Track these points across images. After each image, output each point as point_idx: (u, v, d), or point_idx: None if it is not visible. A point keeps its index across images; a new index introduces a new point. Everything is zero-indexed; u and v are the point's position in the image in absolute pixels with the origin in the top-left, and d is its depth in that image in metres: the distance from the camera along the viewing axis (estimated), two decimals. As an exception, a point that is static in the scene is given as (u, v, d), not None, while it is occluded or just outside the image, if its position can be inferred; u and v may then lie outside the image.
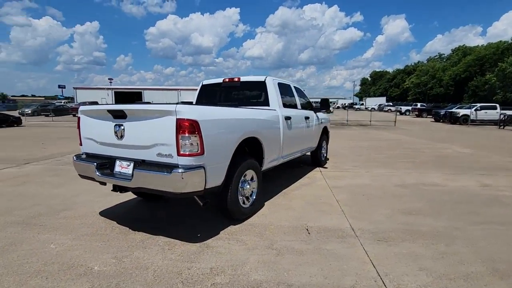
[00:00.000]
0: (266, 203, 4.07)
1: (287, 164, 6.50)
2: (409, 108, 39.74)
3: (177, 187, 2.56)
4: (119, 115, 2.85)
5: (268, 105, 4.30)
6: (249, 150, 3.76)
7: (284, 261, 2.54)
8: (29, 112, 33.19)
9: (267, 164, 4.02)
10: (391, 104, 50.92)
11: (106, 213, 3.68)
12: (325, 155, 6.81)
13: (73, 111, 33.09)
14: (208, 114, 2.74)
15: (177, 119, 2.51)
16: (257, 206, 3.71)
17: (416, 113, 34.56)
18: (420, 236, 3.05)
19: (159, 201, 4.13)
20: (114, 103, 43.57)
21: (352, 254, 2.68)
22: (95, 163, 3.02)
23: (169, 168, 2.58)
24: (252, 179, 3.59)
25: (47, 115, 32.02)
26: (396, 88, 73.87)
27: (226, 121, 2.96)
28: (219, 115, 2.90)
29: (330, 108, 46.50)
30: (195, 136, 2.56)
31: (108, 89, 49.72)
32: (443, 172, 5.98)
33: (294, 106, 5.05)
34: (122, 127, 2.84)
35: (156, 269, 2.41)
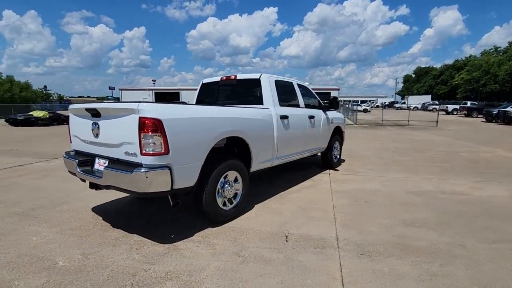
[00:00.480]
0: (256, 205, 3.91)
1: (293, 165, 6.26)
2: (457, 107, 36.27)
3: (140, 186, 2.53)
4: (95, 114, 2.89)
5: (262, 103, 4.13)
6: (237, 150, 3.64)
7: (246, 270, 2.37)
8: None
9: (258, 165, 3.85)
10: (436, 102, 46.92)
11: (98, 209, 3.81)
12: (338, 156, 6.41)
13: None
14: (174, 113, 2.66)
15: (140, 118, 2.47)
16: (241, 208, 3.56)
17: (465, 112, 31.41)
18: (413, 252, 2.68)
19: (151, 200, 4.17)
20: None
21: (323, 268, 2.42)
22: (76, 160, 3.11)
23: (134, 167, 2.55)
24: (236, 180, 3.46)
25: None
26: (443, 85, 68.03)
27: (198, 120, 2.85)
28: (189, 114, 2.80)
29: (367, 108, 44.27)
30: (158, 135, 2.49)
31: (149, 89, 52.73)
32: (473, 179, 5.28)
33: (295, 104, 4.79)
34: (97, 125, 2.88)
35: (114, 268, 2.39)
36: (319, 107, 5.53)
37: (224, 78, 4.60)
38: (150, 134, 2.47)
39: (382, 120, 21.77)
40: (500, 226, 3.24)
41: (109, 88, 57.42)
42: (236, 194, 3.49)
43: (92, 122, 2.94)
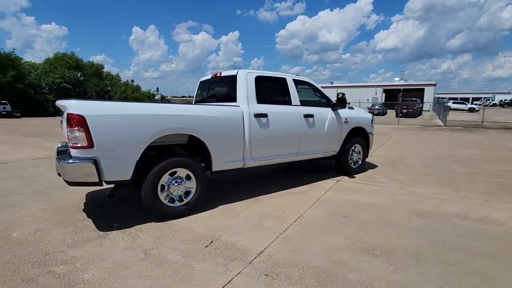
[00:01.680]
0: (222, 206, 3.79)
1: (305, 166, 5.80)
2: None
3: (67, 176, 2.80)
4: (60, 110, 3.33)
5: (236, 100, 3.95)
6: (201, 147, 3.57)
7: (134, 269, 2.36)
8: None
9: (223, 165, 3.72)
10: None
11: (92, 194, 4.34)
12: (359, 162, 5.57)
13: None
14: (101, 109, 2.83)
15: (67, 114, 2.73)
16: (195, 206, 3.50)
17: None
18: (332, 285, 2.15)
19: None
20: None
21: (208, 281, 2.19)
22: (56, 150, 3.64)
23: (68, 158, 2.84)
24: (188, 178, 3.43)
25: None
26: None
27: (128, 117, 2.93)
28: (119, 111, 2.92)
29: (475, 107, 36.33)
30: (81, 130, 2.70)
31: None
32: (537, 204, 3.83)
33: (284, 102, 4.39)
34: (61, 120, 3.31)
35: (41, 246, 2.71)
36: (326, 105, 4.92)
37: (213, 75, 4.58)
38: (74, 128, 2.70)
39: (482, 122, 17.80)
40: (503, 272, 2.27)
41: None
42: (189, 192, 3.47)
43: (61, 117, 3.40)
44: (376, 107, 29.96)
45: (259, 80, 4.14)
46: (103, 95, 42.85)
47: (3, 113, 28.81)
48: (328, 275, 2.27)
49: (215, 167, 3.67)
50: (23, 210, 3.63)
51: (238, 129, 3.76)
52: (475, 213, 3.54)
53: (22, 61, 36.14)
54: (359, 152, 5.57)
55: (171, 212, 3.33)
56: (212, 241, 2.83)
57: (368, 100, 40.87)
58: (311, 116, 4.57)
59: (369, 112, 28.16)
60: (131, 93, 43.23)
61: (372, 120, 5.74)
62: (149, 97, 57.06)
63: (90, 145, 2.74)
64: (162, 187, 3.25)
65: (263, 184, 4.81)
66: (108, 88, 43.46)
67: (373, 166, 6.20)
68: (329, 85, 50.39)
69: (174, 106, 3.36)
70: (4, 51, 33.87)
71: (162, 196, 3.25)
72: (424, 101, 38.02)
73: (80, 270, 2.33)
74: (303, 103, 4.61)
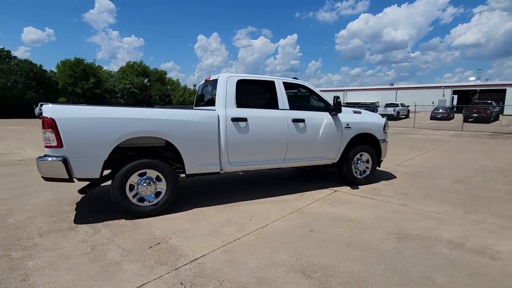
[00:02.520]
0: (195, 209, 3.82)
1: (310, 172, 5.56)
2: None
3: (42, 172, 3.15)
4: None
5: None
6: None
7: (70, 261, 2.53)
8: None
9: (197, 168, 3.77)
10: None
11: (99, 189, 4.78)
12: (367, 172, 5.05)
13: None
14: (70, 113, 3.11)
15: (42, 117, 3.08)
16: (165, 207, 3.60)
17: None
18: (237, 303, 2.01)
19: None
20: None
21: (123, 282, 2.25)
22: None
23: (43, 157, 3.18)
24: (159, 179, 3.56)
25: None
26: None
27: (97, 120, 3.17)
28: (89, 114, 3.17)
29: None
30: (51, 132, 3.02)
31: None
32: None
33: (270, 105, 4.23)
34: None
35: (16, 233, 3.12)
36: (324, 109, 4.59)
37: (205, 80, 4.66)
38: (46, 130, 3.04)
39: None
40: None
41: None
42: (159, 192, 3.59)
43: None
44: (440, 110, 26.66)
45: (242, 83, 4.08)
46: (164, 99, 46.98)
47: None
48: (240, 292, 2.13)
49: (189, 170, 3.73)
50: (32, 199, 4.20)
51: (212, 133, 3.75)
52: (475, 241, 2.91)
53: (102, 69, 41.76)
54: (367, 161, 5.05)
55: (139, 211, 3.49)
56: (159, 243, 2.89)
57: (433, 103, 36.58)
58: (302, 121, 4.31)
59: (431, 116, 25.01)
60: (188, 96, 46.34)
61: (384, 126, 5.15)
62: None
63: (60, 145, 3.05)
64: (132, 186, 3.43)
65: (252, 189, 4.70)
66: (170, 92, 47.45)
67: (389, 177, 5.56)
68: (388, 86, 46.45)
69: (141, 110, 3.51)
70: (87, 61, 39.32)
71: (130, 195, 3.43)
72: (505, 103, 32.40)
73: (30, 257, 2.60)
74: (297, 107, 4.39)
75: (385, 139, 5.17)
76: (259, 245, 2.85)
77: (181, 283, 2.23)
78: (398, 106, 28.22)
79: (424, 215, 3.60)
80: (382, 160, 5.34)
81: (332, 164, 4.83)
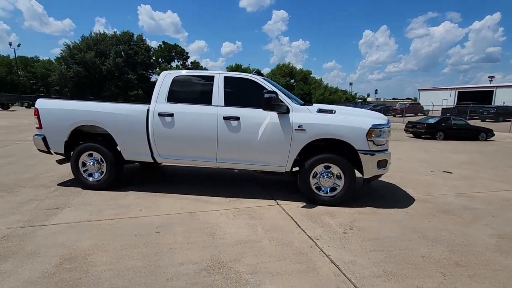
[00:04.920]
0: (122, 192, 4.34)
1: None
2: None
3: (35, 145, 4.57)
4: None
5: (157, 99, 4.28)
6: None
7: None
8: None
9: (131, 155, 4.28)
10: None
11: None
12: (338, 190, 3.84)
13: (394, 111, 35.03)
14: (47, 105, 4.34)
15: (35, 107, 4.49)
16: (106, 185, 4.32)
17: None
18: (-10, 260, 2.45)
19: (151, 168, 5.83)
20: (455, 104, 39.33)
21: (-10, 224, 3.14)
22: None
23: (35, 135, 4.62)
24: (102, 161, 4.34)
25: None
26: None
27: (59, 111, 4.27)
28: (56, 106, 4.32)
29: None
30: (36, 117, 4.38)
31: (451, 89, 45.05)
32: None
33: (204, 101, 4.04)
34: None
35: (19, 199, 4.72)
36: (265, 107, 3.88)
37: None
38: (35, 116, 4.42)
39: None
40: None
41: (419, 90, 55.70)
42: (102, 172, 4.37)
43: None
44: None
45: (179, 80, 4.19)
46: (305, 98, 48.67)
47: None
48: None
49: (125, 157, 4.30)
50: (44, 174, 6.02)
51: (141, 125, 4.11)
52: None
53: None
54: (338, 176, 3.84)
55: (88, 184, 4.39)
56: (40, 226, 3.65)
57: None
58: (236, 118, 3.90)
59: None
60: (328, 95, 45.83)
61: (370, 132, 3.68)
62: (349, 99, 57.70)
63: (40, 127, 4.37)
64: (83, 163, 4.39)
65: (204, 185, 4.68)
66: (311, 91, 48.65)
67: (392, 202, 3.94)
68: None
69: (86, 104, 4.34)
70: (244, 66, 46.40)
71: (81, 170, 4.39)
72: None
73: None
74: (235, 104, 4.00)
75: (370, 150, 3.72)
76: (99, 229, 3.05)
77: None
78: None
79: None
80: (369, 180, 3.89)
81: (288, 173, 4.03)
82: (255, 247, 2.73)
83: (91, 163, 4.34)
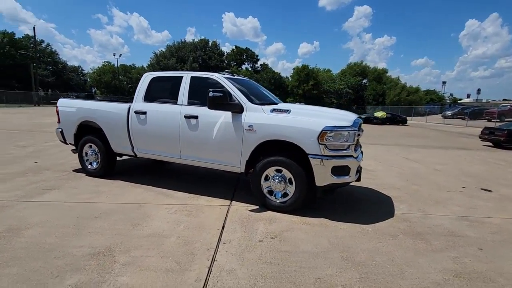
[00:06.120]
0: (110, 180, 4.88)
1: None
2: None
3: (57, 137, 5.54)
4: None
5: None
6: None
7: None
8: (449, 114, 34.76)
9: (117, 148, 4.80)
10: None
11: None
12: (290, 196, 3.56)
13: (488, 115, 29.19)
14: (64, 104, 5.22)
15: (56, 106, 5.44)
16: (101, 173, 4.98)
17: None
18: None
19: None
20: None
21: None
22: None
23: (58, 128, 5.58)
24: (98, 152, 5.00)
25: (463, 118, 31.57)
26: None
27: (70, 108, 5.09)
28: (68, 105, 5.16)
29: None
30: (56, 113, 5.33)
31: None
32: None
33: (173, 100, 4.25)
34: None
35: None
36: (211, 106, 3.84)
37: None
38: (56, 113, 5.37)
39: None
40: None
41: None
42: (98, 162, 5.04)
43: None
44: None
45: (155, 80, 4.52)
46: (378, 98, 44.70)
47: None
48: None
49: (114, 149, 4.86)
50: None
51: (123, 122, 4.59)
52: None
53: (319, 72, 46.70)
54: (290, 181, 3.55)
55: (88, 171, 5.12)
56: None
57: None
58: (195, 117, 4.00)
59: None
60: (406, 96, 41.14)
61: (323, 134, 3.28)
62: (434, 100, 50.58)
63: (59, 122, 5.30)
64: (86, 154, 5.14)
65: (178, 180, 4.90)
66: (385, 91, 44.42)
67: (352, 215, 3.44)
68: None
69: (87, 102, 5.03)
70: (311, 66, 45.34)
71: (85, 159, 5.14)
72: None
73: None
74: (196, 103, 4.11)
75: (321, 155, 3.32)
76: (58, 209, 3.57)
77: None
78: None
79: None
80: (327, 189, 3.48)
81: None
82: (157, 242, 2.79)
83: (91, 153, 5.05)
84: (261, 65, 51.91)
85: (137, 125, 4.45)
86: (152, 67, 45.54)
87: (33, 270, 2.28)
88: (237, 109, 3.75)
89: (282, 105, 4.02)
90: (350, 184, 3.97)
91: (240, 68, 50.59)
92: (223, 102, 3.68)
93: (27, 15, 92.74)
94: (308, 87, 43.02)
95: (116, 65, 49.66)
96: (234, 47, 51.84)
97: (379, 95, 44.02)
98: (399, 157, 8.33)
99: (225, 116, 3.83)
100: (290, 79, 47.63)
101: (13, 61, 45.61)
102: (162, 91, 4.54)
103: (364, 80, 49.14)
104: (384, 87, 44.69)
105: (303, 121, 3.48)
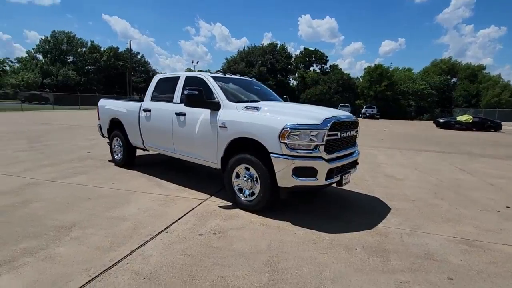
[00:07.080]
0: (128, 170, 5.52)
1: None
2: None
3: (98, 131, 6.55)
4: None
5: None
6: None
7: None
8: None
9: (134, 142, 5.43)
10: None
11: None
12: (256, 195, 3.48)
13: None
14: (102, 103, 6.15)
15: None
16: (123, 163, 5.72)
17: None
18: None
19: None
20: None
21: None
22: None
23: (103, 124, 6.57)
24: (120, 144, 5.75)
25: None
26: None
27: (105, 108, 5.98)
28: (103, 104, 6.05)
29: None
30: (97, 111, 6.31)
31: None
32: None
33: (170, 99, 4.60)
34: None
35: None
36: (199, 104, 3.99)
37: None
38: (97, 111, 6.37)
39: None
40: None
41: None
42: (121, 153, 5.79)
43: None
44: None
45: (161, 81, 4.98)
46: (470, 100, 38.12)
47: (366, 114, 36.37)
48: None
49: (131, 142, 5.51)
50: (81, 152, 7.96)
51: (135, 119, 5.18)
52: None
53: (397, 71, 42.38)
54: (256, 180, 3.47)
55: (115, 161, 5.92)
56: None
57: None
58: (183, 114, 4.26)
59: None
60: (508, 97, 34.06)
61: (284, 132, 3.09)
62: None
63: (99, 119, 6.28)
64: (114, 146, 5.96)
65: (176, 174, 5.22)
66: (480, 92, 37.61)
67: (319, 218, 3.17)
68: None
69: (115, 102, 5.79)
70: (385, 66, 41.65)
71: (113, 150, 5.97)
72: None
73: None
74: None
75: (282, 154, 3.15)
76: (72, 190, 4.28)
77: (30, 183, 4.57)
78: None
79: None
80: (291, 191, 3.28)
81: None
82: (114, 223, 3.10)
83: (117, 146, 5.84)
84: (330, 66, 50.09)
85: (144, 121, 4.96)
86: (225, 72, 48.72)
87: (7, 233, 2.85)
88: (215, 107, 3.86)
89: (265, 103, 3.93)
90: (355, 191, 3.63)
91: (307, 70, 49.80)
92: (199, 99, 3.83)
93: (134, 32, 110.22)
94: (380, 88, 39.59)
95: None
96: (303, 49, 51.40)
97: (471, 96, 37.54)
98: (453, 167, 7.06)
99: (205, 113, 3.97)
100: (361, 80, 44.65)
101: (116, 70, 54.92)
102: (165, 91, 4.95)
103: (454, 79, 42.67)
104: (479, 86, 37.89)
105: (267, 118, 3.37)
